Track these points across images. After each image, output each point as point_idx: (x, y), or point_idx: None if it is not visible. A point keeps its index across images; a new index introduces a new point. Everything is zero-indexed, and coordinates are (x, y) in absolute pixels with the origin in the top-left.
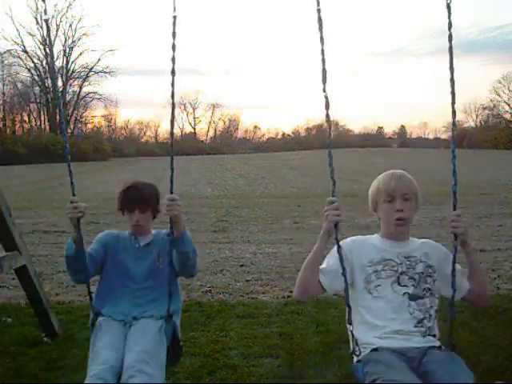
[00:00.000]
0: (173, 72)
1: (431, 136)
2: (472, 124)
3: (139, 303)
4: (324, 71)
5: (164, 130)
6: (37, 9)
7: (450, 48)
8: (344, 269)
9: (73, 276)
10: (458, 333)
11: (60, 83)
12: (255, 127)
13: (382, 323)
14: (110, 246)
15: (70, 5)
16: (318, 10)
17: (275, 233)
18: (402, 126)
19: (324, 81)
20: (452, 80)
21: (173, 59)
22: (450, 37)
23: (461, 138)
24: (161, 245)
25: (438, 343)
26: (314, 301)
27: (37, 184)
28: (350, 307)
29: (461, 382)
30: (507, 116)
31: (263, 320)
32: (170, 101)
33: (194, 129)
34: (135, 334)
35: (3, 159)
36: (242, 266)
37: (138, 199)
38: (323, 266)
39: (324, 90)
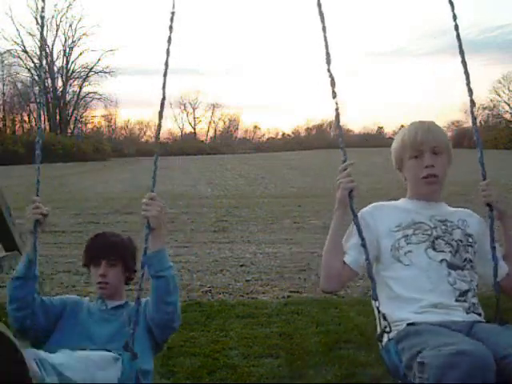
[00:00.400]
0: (166, 64)
1: None
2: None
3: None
4: (328, 54)
5: (164, 129)
6: (37, 9)
7: (458, 35)
8: (363, 239)
9: (15, 311)
10: None
11: (60, 83)
12: (255, 127)
13: (417, 295)
14: (68, 308)
15: (70, 5)
16: (319, 5)
17: (275, 233)
18: (402, 126)
19: (328, 62)
20: (464, 62)
21: (167, 52)
22: (456, 26)
23: (461, 138)
24: (134, 310)
25: (484, 321)
26: (314, 300)
27: None
28: (373, 280)
29: None
30: (507, 116)
31: (263, 320)
32: (172, 101)
33: (194, 129)
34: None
35: (3, 159)
36: (242, 265)
37: (106, 248)
38: (345, 245)
39: (329, 71)
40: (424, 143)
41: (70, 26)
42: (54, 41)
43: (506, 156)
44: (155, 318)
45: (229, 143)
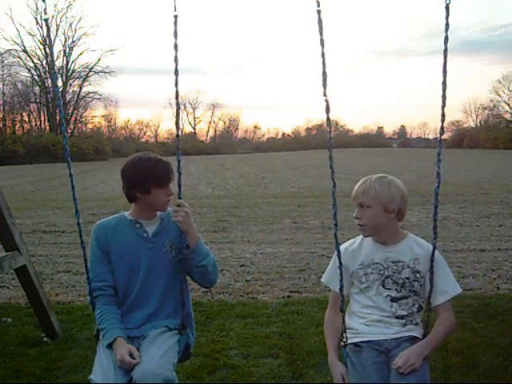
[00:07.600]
0: (176, 72)
1: (431, 136)
2: (472, 124)
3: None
4: (324, 74)
5: (164, 130)
6: (37, 9)
7: (445, 51)
8: (341, 263)
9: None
10: (458, 333)
11: (60, 83)
12: (255, 127)
13: (367, 311)
14: (109, 243)
15: (70, 5)
16: (318, 11)
17: (275, 233)
18: (402, 126)
19: (324, 85)
20: (444, 83)
21: (175, 59)
22: (446, 39)
23: (461, 138)
24: (173, 231)
25: (416, 332)
26: (314, 300)
27: (37, 184)
28: (343, 297)
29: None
30: (507, 116)
31: (263, 320)
32: (172, 101)
33: (194, 129)
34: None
35: (3, 159)
36: (242, 265)
37: (170, 172)
38: (327, 279)
39: (325, 94)
40: (355, 198)
41: (70, 26)
42: (54, 41)
43: (505, 156)
44: (197, 282)
45: (229, 143)
